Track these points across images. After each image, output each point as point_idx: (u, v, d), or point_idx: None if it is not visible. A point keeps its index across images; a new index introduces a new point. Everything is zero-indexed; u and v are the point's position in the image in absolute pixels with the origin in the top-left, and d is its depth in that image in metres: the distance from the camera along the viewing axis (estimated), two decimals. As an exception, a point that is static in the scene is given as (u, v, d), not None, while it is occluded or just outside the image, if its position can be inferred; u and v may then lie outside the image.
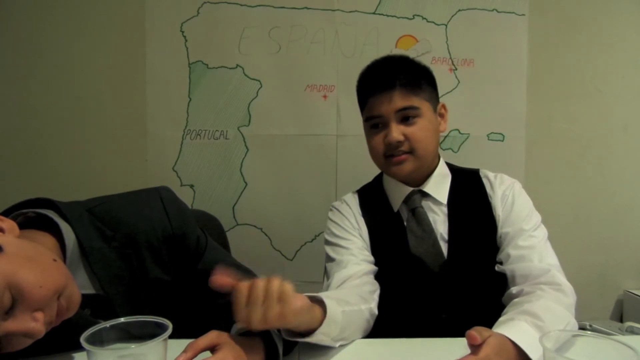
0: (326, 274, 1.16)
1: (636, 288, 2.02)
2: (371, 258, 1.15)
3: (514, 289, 1.03)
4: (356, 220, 1.19)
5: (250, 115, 1.93)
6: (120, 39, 1.84)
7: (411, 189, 1.18)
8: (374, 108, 1.13)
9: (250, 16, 1.89)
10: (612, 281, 2.05)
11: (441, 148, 1.96)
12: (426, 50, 1.93)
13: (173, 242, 0.87)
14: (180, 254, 0.88)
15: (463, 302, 1.11)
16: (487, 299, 1.09)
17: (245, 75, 1.91)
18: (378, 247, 1.16)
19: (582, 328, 1.23)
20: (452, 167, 1.24)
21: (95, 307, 0.80)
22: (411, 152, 1.11)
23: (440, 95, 1.93)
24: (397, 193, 1.19)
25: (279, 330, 0.83)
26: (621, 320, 1.97)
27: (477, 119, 1.95)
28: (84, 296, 0.76)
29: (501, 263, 1.11)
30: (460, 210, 1.16)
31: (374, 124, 1.14)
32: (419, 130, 1.11)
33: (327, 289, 1.09)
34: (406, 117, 1.11)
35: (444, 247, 1.13)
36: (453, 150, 1.95)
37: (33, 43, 1.87)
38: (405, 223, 1.17)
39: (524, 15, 1.94)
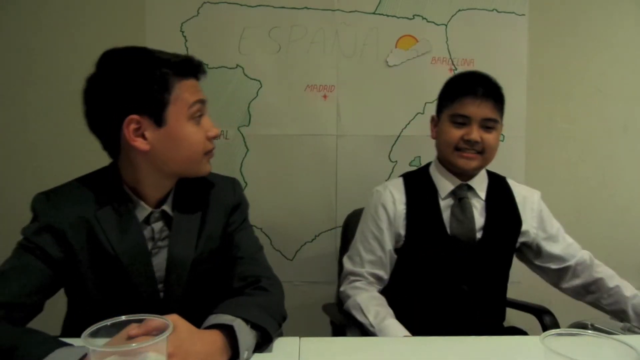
0: (351, 250, 1.43)
1: (636, 288, 2.02)
2: (386, 269, 1.39)
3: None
4: (395, 208, 1.38)
5: (250, 115, 1.93)
6: (120, 39, 1.81)
7: (459, 182, 1.38)
8: (465, 108, 1.32)
9: (250, 16, 1.89)
10: (612, 281, 2.04)
11: (441, 148, 1.96)
12: (426, 50, 1.94)
13: (232, 209, 1.14)
14: (233, 218, 1.14)
15: (481, 278, 1.36)
16: (499, 277, 1.40)
17: (245, 75, 1.91)
18: (417, 225, 1.37)
19: (583, 327, 1.25)
20: (486, 170, 1.45)
21: (169, 224, 1.06)
22: (481, 152, 1.33)
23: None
24: (447, 183, 1.39)
25: (257, 326, 0.88)
26: (621, 321, 1.97)
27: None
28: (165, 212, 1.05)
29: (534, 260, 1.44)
30: (495, 205, 1.39)
31: (456, 121, 1.33)
32: (493, 139, 1.33)
33: (351, 267, 1.40)
34: (486, 125, 1.32)
35: (478, 234, 1.36)
36: (453, 150, 1.95)
37: (32, 43, 1.87)
38: (442, 208, 1.37)
39: (524, 15, 1.94)
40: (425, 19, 1.92)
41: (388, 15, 1.92)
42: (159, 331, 0.68)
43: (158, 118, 0.95)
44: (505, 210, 1.40)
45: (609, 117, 2.00)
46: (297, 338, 0.95)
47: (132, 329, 0.71)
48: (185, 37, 1.88)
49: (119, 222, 0.99)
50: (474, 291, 1.34)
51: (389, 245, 1.38)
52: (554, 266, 1.42)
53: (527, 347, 0.95)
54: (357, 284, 1.36)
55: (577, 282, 1.40)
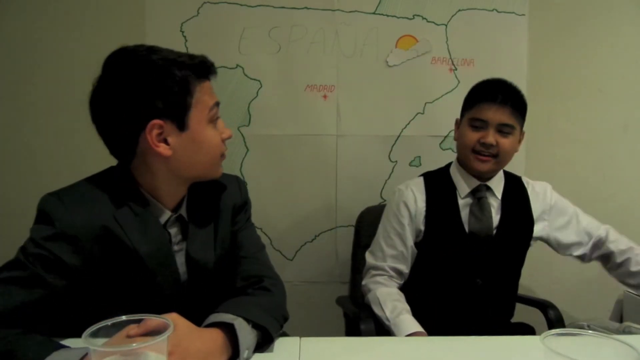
0: (374, 246, 1.51)
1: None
2: (407, 264, 1.46)
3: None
4: (416, 205, 1.45)
5: (250, 115, 1.93)
6: (120, 39, 1.82)
7: (479, 182, 1.45)
8: (483, 113, 1.39)
9: (250, 16, 1.89)
10: (612, 281, 2.04)
11: (441, 148, 1.97)
12: (426, 50, 1.94)
13: (238, 209, 1.14)
14: (238, 218, 1.14)
15: (494, 272, 1.43)
16: (511, 272, 1.49)
17: (245, 75, 1.91)
18: (436, 221, 1.44)
19: (580, 328, 1.25)
20: (503, 171, 1.52)
21: (184, 227, 1.04)
22: (496, 156, 1.39)
23: (440, 95, 1.95)
24: (467, 184, 1.46)
25: (258, 326, 0.88)
26: (621, 321, 1.97)
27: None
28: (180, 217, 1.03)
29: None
30: (510, 204, 1.46)
31: (474, 125, 1.40)
32: (508, 144, 1.39)
33: (373, 262, 1.47)
34: (502, 130, 1.38)
35: (494, 231, 1.43)
36: (453, 150, 1.95)
37: (31, 43, 1.87)
38: (460, 207, 1.45)
39: (524, 15, 1.94)
40: (425, 19, 1.92)
41: (388, 15, 1.92)
42: (158, 331, 0.68)
43: (181, 122, 0.93)
44: (520, 209, 1.48)
45: (609, 117, 2.00)
46: (297, 338, 0.95)
47: (132, 329, 0.71)
48: (185, 37, 1.88)
49: (140, 223, 0.95)
50: (487, 285, 1.42)
51: (410, 240, 1.45)
52: (575, 252, 1.50)
53: (527, 347, 0.95)
54: (379, 278, 1.44)
55: (596, 255, 1.50)
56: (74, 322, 0.94)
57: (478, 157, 1.40)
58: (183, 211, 1.04)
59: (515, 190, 1.50)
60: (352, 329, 1.51)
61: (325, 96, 1.94)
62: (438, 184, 1.49)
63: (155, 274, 0.96)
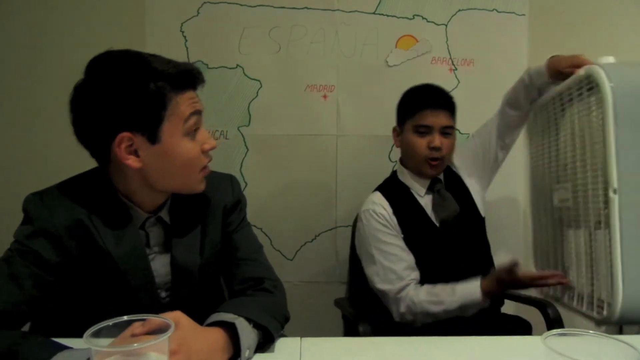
0: (380, 276, 1.45)
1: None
2: (415, 270, 1.45)
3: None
4: (389, 217, 1.48)
5: (250, 115, 1.93)
6: (121, 39, 1.82)
7: (430, 179, 1.54)
8: (426, 119, 1.47)
9: (250, 16, 1.89)
10: (612, 281, 2.04)
11: (441, 148, 1.97)
12: (426, 50, 1.94)
13: (230, 209, 1.11)
14: (231, 218, 1.12)
15: (470, 250, 1.50)
16: (483, 241, 1.58)
17: (245, 75, 1.91)
18: (408, 227, 1.49)
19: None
20: None
21: (167, 230, 1.03)
22: (442, 158, 1.48)
23: (440, 95, 1.95)
24: (421, 184, 1.54)
25: (259, 326, 0.88)
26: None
27: (477, 119, 1.93)
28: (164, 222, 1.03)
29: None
30: (454, 186, 1.58)
31: (419, 131, 1.48)
32: (450, 143, 1.50)
33: (391, 287, 1.43)
34: (445, 132, 1.47)
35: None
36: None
37: (32, 43, 1.87)
38: (423, 205, 1.52)
39: (524, 15, 1.94)
40: (425, 19, 1.93)
41: (388, 15, 1.92)
42: (161, 330, 0.68)
43: (152, 135, 0.90)
44: (458, 184, 1.59)
45: (609, 117, 2.00)
46: (298, 338, 0.95)
47: (136, 328, 0.70)
48: (185, 37, 1.88)
49: (115, 225, 0.95)
50: (469, 263, 1.48)
51: (405, 246, 1.47)
52: (495, 138, 1.59)
53: (527, 347, 0.95)
54: (408, 293, 1.40)
55: (501, 120, 1.59)
56: (56, 321, 0.94)
57: (432, 163, 1.48)
58: (164, 213, 1.02)
59: (449, 173, 1.60)
60: (351, 331, 1.51)
61: (325, 96, 1.94)
62: (395, 193, 1.54)
63: (128, 275, 0.96)
